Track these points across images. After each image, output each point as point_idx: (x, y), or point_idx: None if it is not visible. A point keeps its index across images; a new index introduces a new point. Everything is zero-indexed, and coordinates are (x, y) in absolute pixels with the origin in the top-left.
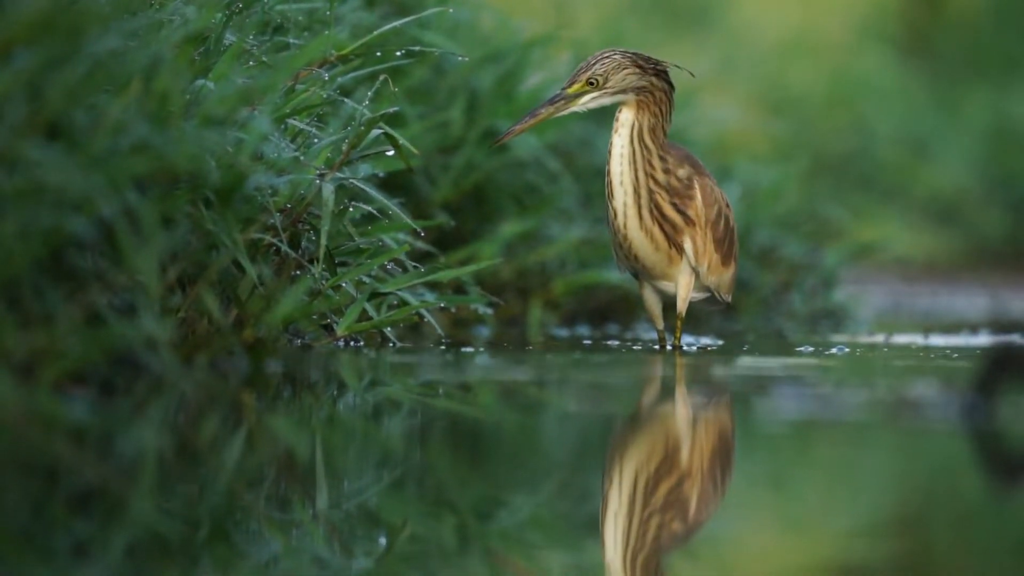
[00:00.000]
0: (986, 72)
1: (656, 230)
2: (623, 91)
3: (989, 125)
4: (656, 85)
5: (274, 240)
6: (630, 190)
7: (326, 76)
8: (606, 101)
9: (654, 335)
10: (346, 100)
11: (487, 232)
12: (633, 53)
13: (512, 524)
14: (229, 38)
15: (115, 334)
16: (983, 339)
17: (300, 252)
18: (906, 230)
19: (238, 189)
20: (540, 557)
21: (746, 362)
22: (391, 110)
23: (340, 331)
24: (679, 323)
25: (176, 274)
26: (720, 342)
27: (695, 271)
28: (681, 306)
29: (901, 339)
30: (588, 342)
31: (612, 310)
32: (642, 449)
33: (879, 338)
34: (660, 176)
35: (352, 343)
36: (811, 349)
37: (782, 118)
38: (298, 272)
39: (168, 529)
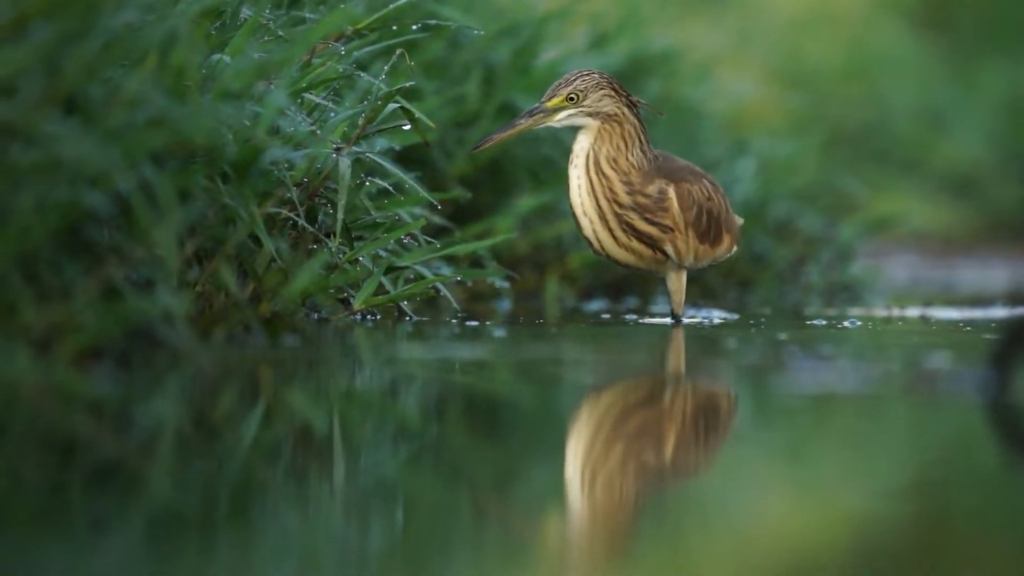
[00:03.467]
0: (1003, 45)
1: (635, 244)
2: (595, 114)
3: (1006, 98)
4: (626, 116)
5: (291, 214)
6: (595, 218)
7: (342, 50)
8: (579, 121)
9: (664, 309)
10: (362, 74)
11: (503, 206)
12: (610, 77)
13: (530, 496)
14: (245, 12)
15: (132, 308)
16: (1000, 312)
17: (317, 226)
18: (923, 203)
19: (255, 163)
20: (556, 527)
21: (763, 334)
22: (407, 84)
23: (357, 305)
24: (678, 311)
25: (193, 248)
26: (735, 316)
27: (683, 266)
28: (677, 309)
29: (918, 312)
30: (607, 316)
31: (628, 284)
32: (640, 416)
33: (896, 311)
34: (624, 199)
35: (369, 317)
36: (824, 323)
37: (798, 91)
38: (315, 246)
39: (185, 504)
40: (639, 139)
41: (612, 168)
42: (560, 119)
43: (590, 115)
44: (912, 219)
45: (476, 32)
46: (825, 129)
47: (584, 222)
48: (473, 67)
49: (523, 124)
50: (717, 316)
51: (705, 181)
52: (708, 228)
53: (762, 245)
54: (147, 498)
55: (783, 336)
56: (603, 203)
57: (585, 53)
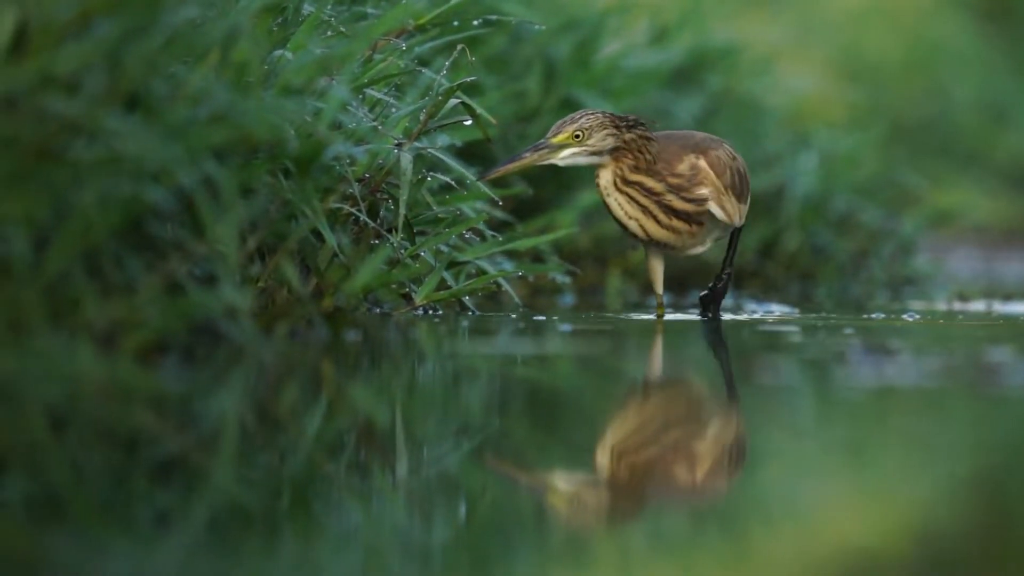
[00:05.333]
0: None
1: (676, 222)
2: (599, 152)
3: None
4: (630, 141)
5: (353, 209)
6: (641, 216)
7: (404, 46)
8: (582, 160)
9: (725, 303)
10: (424, 70)
11: (565, 200)
12: (611, 114)
13: (590, 491)
14: (307, 8)
15: (195, 303)
16: None
17: (379, 221)
18: (984, 197)
19: (317, 158)
20: (617, 523)
21: (825, 328)
22: (469, 79)
23: (419, 300)
24: (737, 239)
25: (255, 243)
26: (794, 310)
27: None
28: (738, 220)
29: (980, 306)
30: (669, 309)
31: (691, 277)
32: (702, 411)
33: (958, 305)
34: (659, 187)
35: (430, 312)
36: (885, 316)
37: (859, 85)
38: (377, 241)
39: (249, 498)
40: (647, 142)
41: (637, 173)
42: (564, 156)
43: (595, 154)
44: (974, 212)
45: (537, 27)
46: (886, 122)
47: (632, 225)
48: (534, 62)
49: (528, 158)
50: (777, 310)
51: (725, 145)
52: (741, 187)
53: (824, 238)
54: (211, 493)
55: (846, 330)
56: (644, 201)
57: (645, 48)
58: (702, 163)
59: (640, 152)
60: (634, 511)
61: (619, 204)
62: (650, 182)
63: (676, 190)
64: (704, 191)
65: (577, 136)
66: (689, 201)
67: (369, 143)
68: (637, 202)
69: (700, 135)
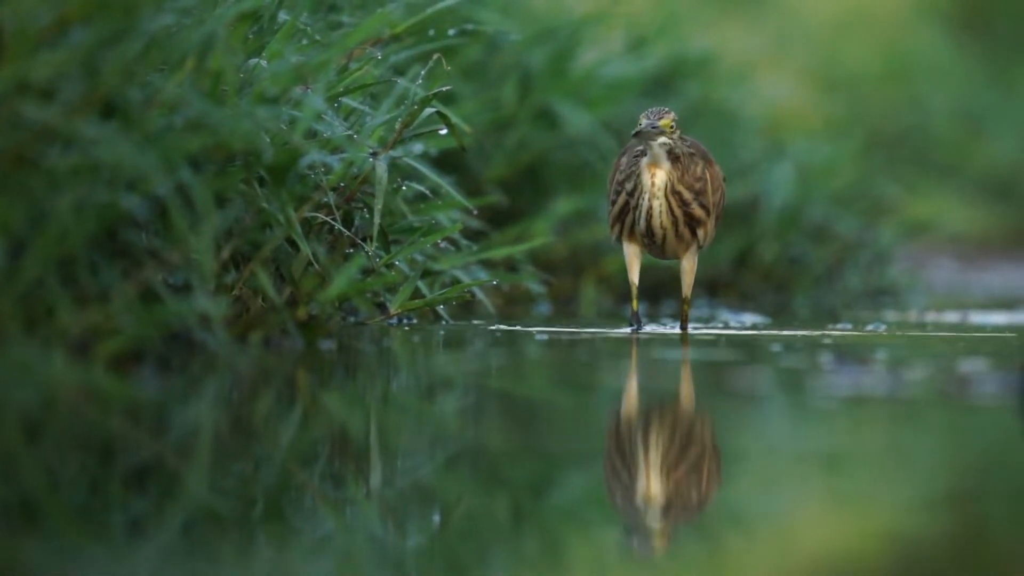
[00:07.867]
0: None
1: (686, 231)
2: (672, 150)
3: None
4: (684, 152)
5: (328, 218)
6: (669, 226)
7: (379, 55)
8: (662, 155)
9: (701, 313)
10: (399, 79)
11: (540, 210)
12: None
13: (566, 501)
14: (283, 16)
15: (170, 311)
16: None
17: (354, 230)
18: (961, 207)
19: (292, 167)
20: (594, 533)
21: (801, 339)
22: (444, 88)
23: (393, 309)
24: (686, 308)
25: (230, 252)
26: (767, 319)
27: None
28: (687, 292)
29: (955, 316)
30: (644, 319)
31: (666, 287)
32: (673, 422)
33: (933, 315)
34: (690, 196)
35: (405, 321)
36: (858, 327)
37: (836, 95)
38: (351, 250)
39: (223, 506)
40: (697, 163)
41: (681, 184)
42: (661, 143)
43: (670, 151)
44: (950, 222)
45: (513, 36)
46: (863, 132)
47: (659, 233)
48: (510, 71)
49: (660, 138)
50: (751, 320)
51: (718, 166)
52: (720, 211)
53: (799, 248)
54: (184, 500)
55: (824, 340)
56: (677, 212)
57: (622, 56)
58: (707, 174)
59: (686, 169)
60: (605, 520)
61: (660, 211)
62: (686, 193)
63: (698, 195)
64: (708, 203)
65: (672, 126)
66: (703, 207)
67: (344, 152)
68: (672, 212)
69: (703, 147)
